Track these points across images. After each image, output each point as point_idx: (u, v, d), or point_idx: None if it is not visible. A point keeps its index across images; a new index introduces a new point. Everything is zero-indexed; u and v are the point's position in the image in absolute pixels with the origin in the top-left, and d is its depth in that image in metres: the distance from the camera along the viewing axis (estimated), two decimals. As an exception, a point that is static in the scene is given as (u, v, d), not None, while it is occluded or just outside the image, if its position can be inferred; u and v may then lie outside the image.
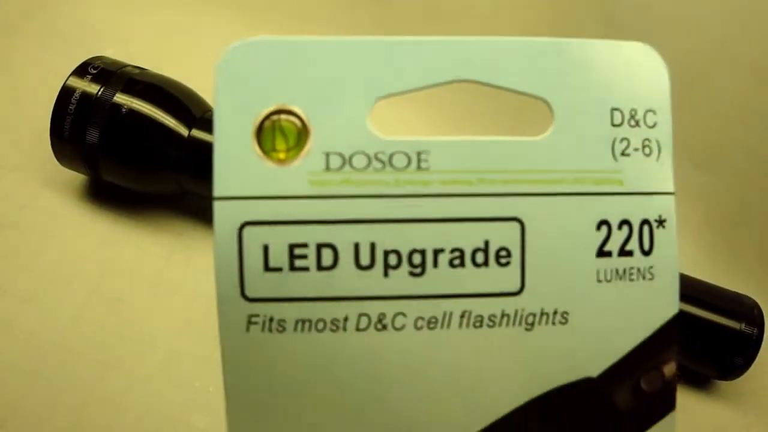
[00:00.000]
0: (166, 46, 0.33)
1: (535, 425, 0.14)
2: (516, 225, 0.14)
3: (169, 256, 0.29)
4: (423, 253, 0.13)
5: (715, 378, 0.28)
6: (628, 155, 0.14)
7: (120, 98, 0.27)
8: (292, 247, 0.13)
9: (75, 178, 0.30)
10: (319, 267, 0.13)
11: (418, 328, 0.14)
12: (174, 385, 0.26)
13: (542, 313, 0.14)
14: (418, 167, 0.13)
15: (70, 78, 0.27)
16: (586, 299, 0.14)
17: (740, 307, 0.26)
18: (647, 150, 0.14)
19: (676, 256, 0.14)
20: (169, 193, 0.29)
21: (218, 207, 0.13)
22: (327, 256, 0.13)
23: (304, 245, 0.13)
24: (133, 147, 0.27)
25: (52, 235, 0.29)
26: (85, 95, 0.27)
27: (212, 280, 0.26)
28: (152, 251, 0.29)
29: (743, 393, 0.28)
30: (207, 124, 0.28)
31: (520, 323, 0.14)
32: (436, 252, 0.13)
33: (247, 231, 0.13)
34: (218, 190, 0.13)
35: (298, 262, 0.13)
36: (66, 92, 0.27)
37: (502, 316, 0.14)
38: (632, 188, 0.14)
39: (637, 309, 0.14)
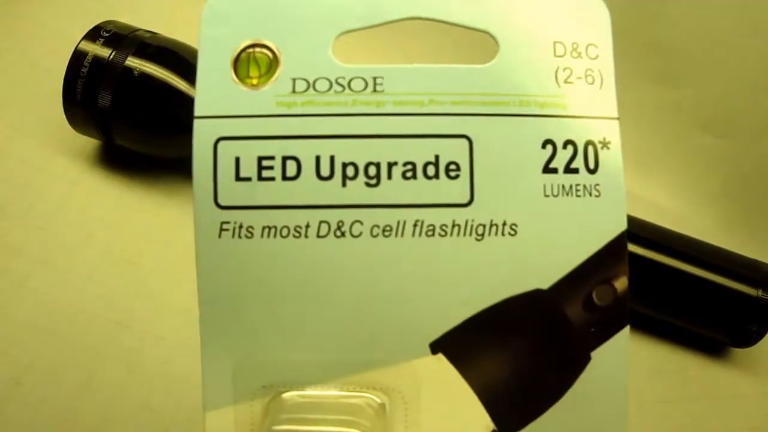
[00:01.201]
0: (177, 12, 0.34)
1: (488, 335, 0.15)
2: (464, 141, 0.15)
3: (182, 219, 0.30)
4: (378, 165, 0.15)
5: (730, 345, 0.27)
6: (571, 83, 0.15)
7: (132, 62, 0.27)
8: (260, 159, 0.15)
9: (88, 143, 0.31)
10: (284, 177, 0.15)
11: (374, 236, 0.15)
12: (185, 346, 0.27)
13: (491, 224, 0.15)
14: (374, 90, 0.15)
15: (82, 42, 0.27)
16: (534, 212, 0.15)
17: (758, 273, 0.26)
18: (590, 79, 0.15)
19: (621, 176, 0.15)
20: (181, 158, 0.29)
21: (197, 124, 0.15)
22: (291, 168, 0.15)
23: (271, 158, 0.15)
24: (145, 110, 0.28)
25: (65, 198, 0.30)
26: (97, 59, 0.27)
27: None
28: (164, 215, 0.30)
29: (758, 360, 0.28)
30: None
31: (470, 233, 0.15)
32: (390, 165, 0.15)
33: (222, 145, 0.15)
34: (198, 110, 0.15)
35: (265, 173, 0.15)
36: (78, 56, 0.27)
37: (453, 225, 0.15)
38: (576, 112, 0.15)
39: (585, 224, 0.15)
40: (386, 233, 0.15)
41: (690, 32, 0.30)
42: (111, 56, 0.27)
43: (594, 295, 0.15)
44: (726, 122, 0.30)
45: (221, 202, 0.15)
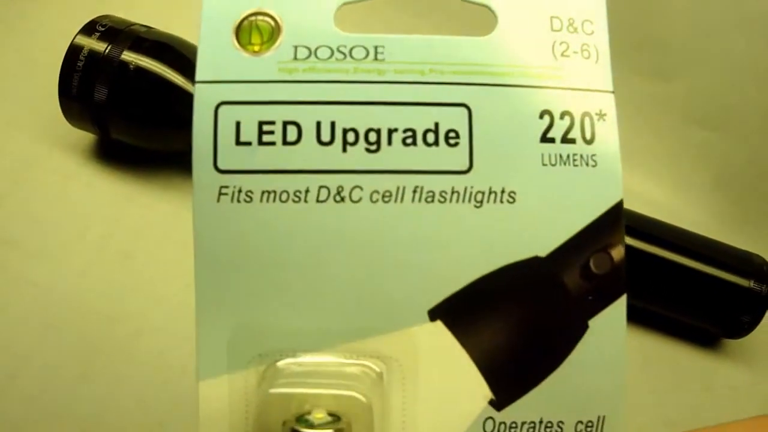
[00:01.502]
0: (173, 7, 0.34)
1: (486, 302, 0.15)
2: (464, 110, 0.15)
3: (178, 213, 0.30)
4: (378, 131, 0.15)
5: (722, 336, 0.28)
6: (567, 56, 0.15)
7: (127, 56, 0.27)
8: (261, 123, 0.15)
9: (83, 137, 0.31)
10: (285, 142, 0.15)
11: (373, 201, 0.15)
12: (181, 338, 0.26)
13: (490, 192, 0.15)
14: (375, 58, 0.15)
15: (78, 36, 0.28)
16: (531, 181, 0.15)
17: (749, 265, 0.26)
18: (586, 53, 0.16)
19: (617, 147, 0.15)
20: (177, 151, 0.30)
21: (199, 89, 0.15)
22: (292, 133, 0.15)
23: (272, 122, 0.15)
24: (141, 104, 0.28)
25: (61, 193, 0.30)
26: (92, 53, 0.27)
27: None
28: (160, 209, 0.30)
29: (750, 351, 0.28)
30: (216, 82, 0.29)
31: (469, 200, 0.15)
32: (390, 131, 0.15)
33: (222, 109, 0.15)
34: (200, 75, 0.15)
35: (266, 138, 0.15)
36: (74, 50, 0.27)
37: (452, 192, 0.15)
38: (572, 85, 0.15)
39: (582, 193, 0.15)
40: (386, 199, 0.15)
41: (682, 26, 0.30)
42: (107, 50, 0.27)
43: (591, 264, 0.15)
44: (718, 116, 0.31)
45: (221, 166, 0.15)
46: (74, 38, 0.28)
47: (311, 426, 0.14)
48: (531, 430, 0.15)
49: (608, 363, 0.15)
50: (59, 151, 0.31)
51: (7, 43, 0.34)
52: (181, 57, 0.28)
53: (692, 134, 0.31)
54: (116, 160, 0.31)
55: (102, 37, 0.28)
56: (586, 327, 0.15)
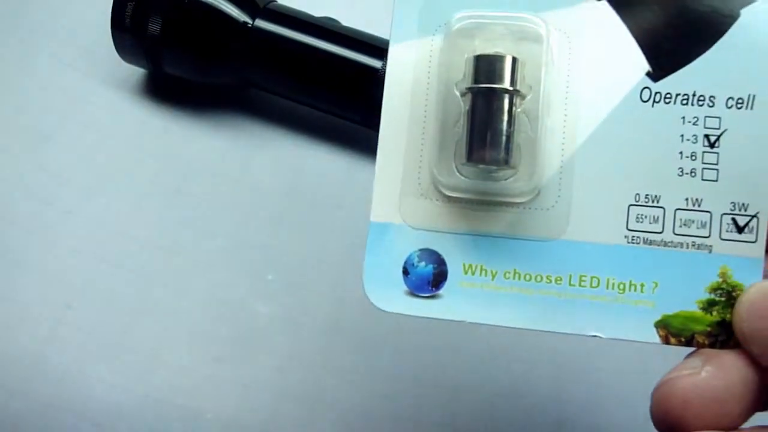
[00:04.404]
0: None
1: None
2: None
3: (229, 149, 0.30)
4: None
5: None
6: None
7: None
8: None
9: (134, 73, 0.31)
10: None
11: None
12: (235, 273, 0.27)
13: None
14: None
15: None
16: None
17: None
18: None
19: None
20: (231, 86, 0.29)
21: None
22: None
23: None
24: (196, 37, 0.27)
25: (112, 128, 0.30)
26: None
27: (273, 174, 0.30)
28: (213, 145, 0.30)
29: None
30: (270, 14, 0.28)
31: None
32: None
33: None
34: None
35: None
36: None
37: None
38: None
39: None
40: None
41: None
42: None
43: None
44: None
45: None
46: (127, -32, 0.27)
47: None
48: (684, 102, 0.17)
49: (759, 47, 0.17)
50: (110, 87, 0.31)
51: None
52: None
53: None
54: (166, 96, 0.31)
55: (156, -33, 0.27)
56: (737, 15, 0.17)
